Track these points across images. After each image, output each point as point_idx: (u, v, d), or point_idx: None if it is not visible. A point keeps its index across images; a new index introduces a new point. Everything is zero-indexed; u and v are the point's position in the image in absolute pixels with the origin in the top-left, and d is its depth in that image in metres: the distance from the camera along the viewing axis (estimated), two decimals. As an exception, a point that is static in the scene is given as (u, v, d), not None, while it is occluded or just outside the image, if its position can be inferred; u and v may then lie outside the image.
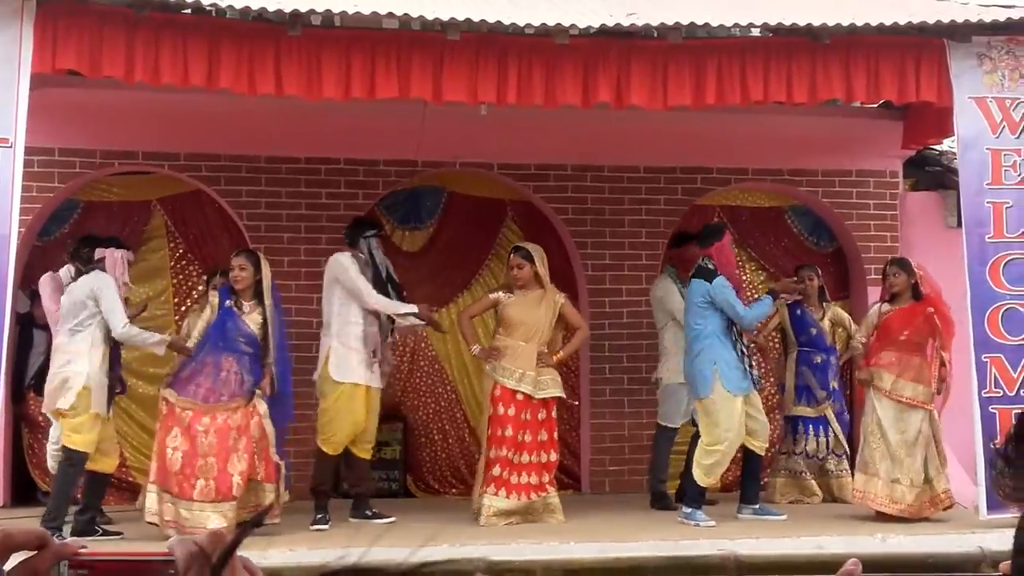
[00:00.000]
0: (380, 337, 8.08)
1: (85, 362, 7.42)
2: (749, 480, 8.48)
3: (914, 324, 8.26)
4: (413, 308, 8.13)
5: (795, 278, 9.21)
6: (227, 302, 7.67)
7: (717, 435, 8.00)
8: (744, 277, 9.76)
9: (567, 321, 8.28)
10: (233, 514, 7.34)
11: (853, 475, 8.64)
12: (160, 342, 7.79)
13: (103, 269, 7.58)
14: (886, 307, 8.43)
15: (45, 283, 8.08)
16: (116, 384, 7.82)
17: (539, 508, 7.99)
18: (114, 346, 7.65)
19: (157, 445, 7.58)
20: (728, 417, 7.98)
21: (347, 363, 7.96)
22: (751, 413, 8.15)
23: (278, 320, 7.80)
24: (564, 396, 8.26)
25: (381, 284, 8.16)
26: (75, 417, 7.39)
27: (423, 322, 8.41)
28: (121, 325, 7.48)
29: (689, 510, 8.00)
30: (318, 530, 7.67)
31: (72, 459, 7.44)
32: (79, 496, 7.73)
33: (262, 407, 7.58)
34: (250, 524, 0.94)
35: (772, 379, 9.88)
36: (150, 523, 7.44)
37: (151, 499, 7.47)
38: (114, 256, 7.65)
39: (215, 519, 7.29)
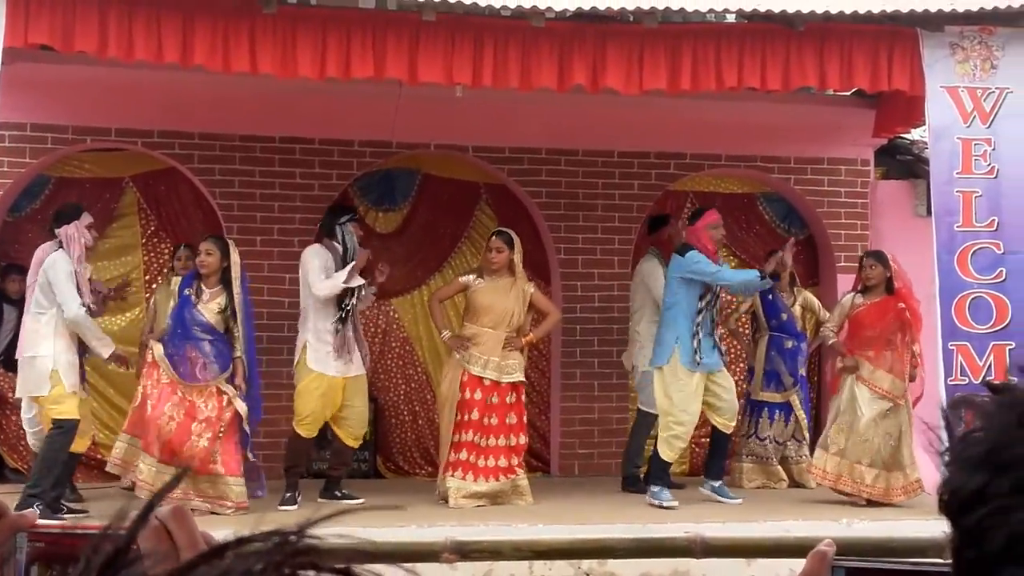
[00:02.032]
0: (348, 331, 8.01)
1: (50, 345, 7.38)
2: (714, 456, 8.60)
3: (885, 320, 8.36)
4: (346, 272, 7.91)
5: (779, 251, 9.27)
6: (186, 290, 7.66)
7: (673, 409, 8.16)
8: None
9: (538, 309, 8.30)
10: (187, 485, 7.31)
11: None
12: (105, 345, 7.55)
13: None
14: (859, 299, 8.50)
15: (36, 259, 7.80)
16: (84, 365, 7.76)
17: (508, 490, 8.02)
18: None
19: (139, 394, 7.64)
20: (680, 391, 8.13)
21: (324, 357, 7.94)
22: (716, 391, 8.24)
23: (246, 312, 7.76)
24: (524, 380, 8.27)
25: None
26: (51, 393, 7.37)
27: (373, 292, 8.40)
28: (72, 310, 7.30)
29: (656, 488, 8.09)
30: (285, 510, 7.68)
31: (63, 427, 7.40)
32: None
33: (241, 407, 7.58)
34: (171, 483, 0.95)
35: (743, 364, 9.94)
36: (113, 472, 7.50)
37: (119, 447, 7.54)
38: (67, 233, 7.47)
39: (160, 481, 7.25)
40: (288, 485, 7.91)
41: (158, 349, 7.59)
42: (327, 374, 7.93)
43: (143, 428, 7.54)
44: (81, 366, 7.61)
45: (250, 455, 7.74)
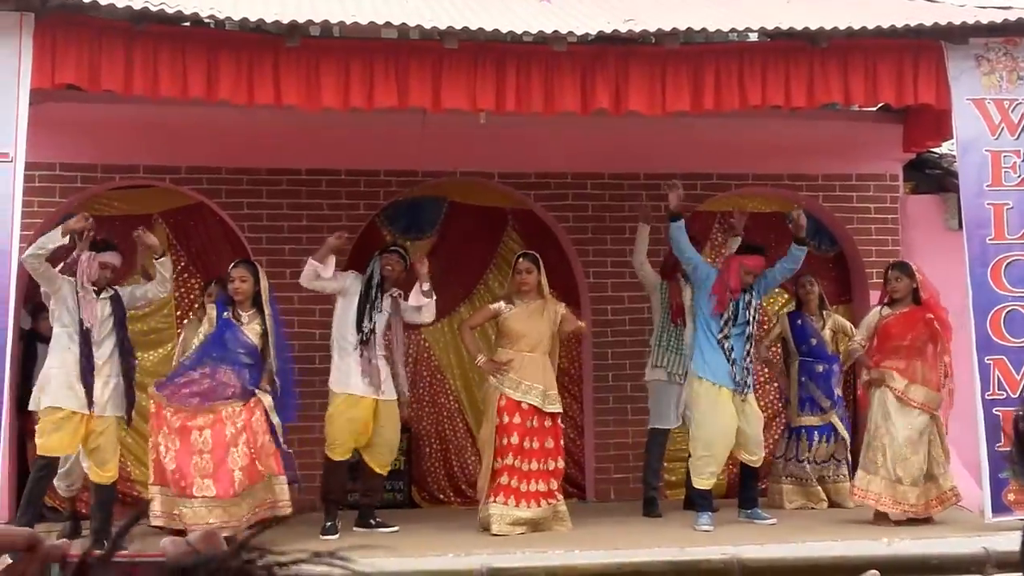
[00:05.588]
0: (364, 348, 8.03)
1: (50, 361, 7.51)
2: (744, 487, 8.60)
3: (915, 330, 8.28)
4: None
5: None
6: (224, 313, 7.70)
7: (695, 427, 8.20)
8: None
9: (567, 328, 8.27)
10: (237, 510, 7.37)
11: (852, 477, 8.66)
12: (54, 232, 7.45)
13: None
14: (886, 311, 8.43)
15: None
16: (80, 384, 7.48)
17: (549, 516, 7.98)
18: (84, 350, 7.47)
19: (151, 445, 7.66)
20: (698, 406, 8.12)
21: (345, 374, 8.05)
22: (740, 421, 8.16)
23: (277, 326, 7.85)
24: (561, 411, 8.28)
25: (369, 296, 8.15)
26: (40, 419, 7.49)
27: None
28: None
29: (697, 514, 8.07)
30: (327, 539, 7.66)
31: (39, 464, 7.65)
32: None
33: (266, 400, 7.63)
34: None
35: (777, 390, 9.88)
36: (155, 527, 7.44)
37: (155, 501, 7.54)
38: (80, 258, 7.62)
39: (216, 515, 7.31)
40: (327, 514, 7.91)
41: (156, 395, 7.59)
42: (347, 392, 8.00)
43: (170, 479, 7.48)
44: (86, 385, 7.46)
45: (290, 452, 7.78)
